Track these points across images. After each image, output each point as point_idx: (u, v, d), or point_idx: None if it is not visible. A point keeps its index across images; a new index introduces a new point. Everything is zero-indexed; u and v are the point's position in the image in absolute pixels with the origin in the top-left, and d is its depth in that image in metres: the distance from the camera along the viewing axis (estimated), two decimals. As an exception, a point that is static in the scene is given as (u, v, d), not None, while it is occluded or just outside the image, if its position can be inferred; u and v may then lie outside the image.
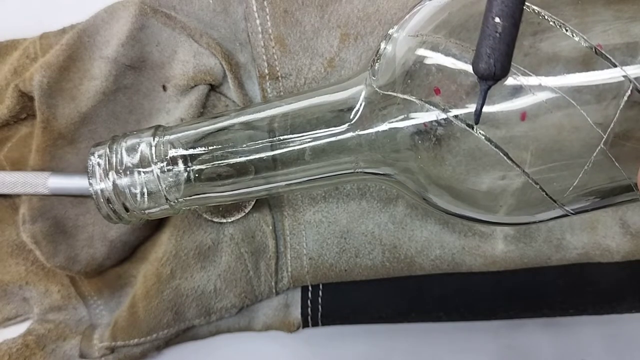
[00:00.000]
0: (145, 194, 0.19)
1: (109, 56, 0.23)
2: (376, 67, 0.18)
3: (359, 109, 0.18)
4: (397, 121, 0.17)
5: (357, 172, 0.19)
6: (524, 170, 0.16)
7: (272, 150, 0.19)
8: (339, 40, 0.24)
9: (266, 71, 0.24)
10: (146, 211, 0.20)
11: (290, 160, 0.19)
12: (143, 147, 0.19)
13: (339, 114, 0.18)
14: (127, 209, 0.20)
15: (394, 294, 0.24)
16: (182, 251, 0.23)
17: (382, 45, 0.18)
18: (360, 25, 0.24)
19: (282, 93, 0.24)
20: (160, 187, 0.19)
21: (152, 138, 0.19)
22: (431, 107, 0.16)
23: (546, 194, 0.16)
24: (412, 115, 0.17)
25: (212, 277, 0.23)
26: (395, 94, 0.17)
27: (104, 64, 0.23)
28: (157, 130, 0.20)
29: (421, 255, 0.24)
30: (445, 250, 0.24)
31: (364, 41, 0.24)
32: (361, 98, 0.18)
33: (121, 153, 0.19)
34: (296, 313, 0.24)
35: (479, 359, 0.25)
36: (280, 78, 0.24)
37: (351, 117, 0.18)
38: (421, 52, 0.17)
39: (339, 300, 0.24)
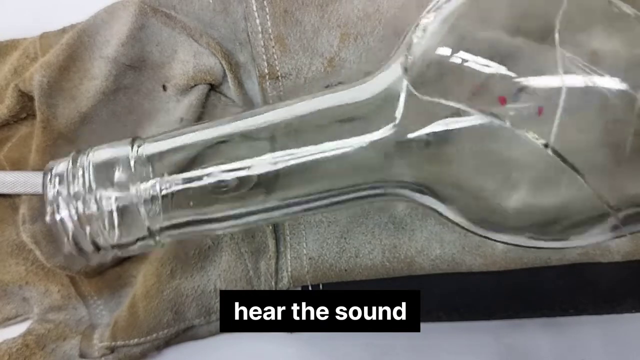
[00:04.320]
0: (120, 225, 0.16)
1: (109, 56, 0.23)
2: (409, 61, 0.16)
3: (400, 106, 0.16)
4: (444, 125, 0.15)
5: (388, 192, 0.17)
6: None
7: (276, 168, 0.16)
8: (338, 40, 0.24)
9: (266, 71, 0.24)
10: (125, 249, 0.17)
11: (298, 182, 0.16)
12: (118, 167, 0.16)
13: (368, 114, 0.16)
14: (97, 247, 0.16)
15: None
16: (182, 251, 0.23)
17: (412, 36, 0.16)
18: (360, 25, 0.23)
19: (282, 92, 0.24)
20: (141, 216, 0.15)
21: (129, 152, 0.16)
22: (496, 120, 0.14)
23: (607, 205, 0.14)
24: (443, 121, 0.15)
25: (212, 276, 0.23)
26: (445, 102, 0.15)
27: (104, 64, 0.23)
28: (134, 142, 0.17)
29: (421, 255, 0.24)
30: (445, 250, 0.24)
31: (364, 41, 0.24)
32: (403, 95, 0.16)
33: (87, 173, 0.15)
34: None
35: (479, 359, 0.25)
36: (280, 78, 0.24)
37: (394, 115, 0.16)
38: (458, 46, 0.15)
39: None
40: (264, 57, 0.24)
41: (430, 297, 0.24)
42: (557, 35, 0.13)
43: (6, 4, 0.27)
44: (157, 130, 0.24)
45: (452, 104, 0.14)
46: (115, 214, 0.15)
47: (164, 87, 0.24)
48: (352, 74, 0.24)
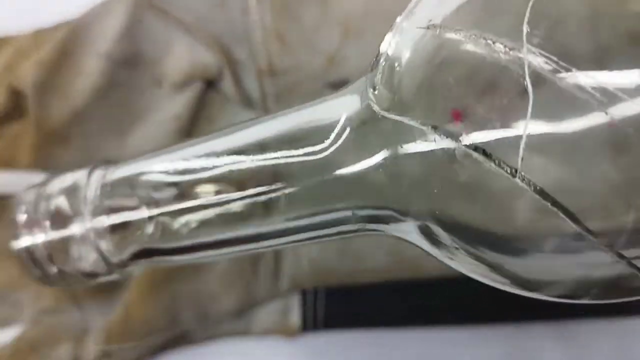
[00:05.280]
0: (86, 254, 0.15)
1: (103, 52, 0.23)
2: (377, 75, 0.13)
3: (340, 133, 0.13)
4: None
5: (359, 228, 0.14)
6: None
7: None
8: (339, 37, 0.23)
9: (265, 67, 0.23)
10: (94, 279, 0.16)
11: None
12: (83, 192, 0.15)
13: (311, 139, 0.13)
14: (62, 271, 0.16)
15: (397, 298, 0.24)
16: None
17: (387, 40, 0.13)
18: (362, 22, 0.23)
19: (281, 90, 0.24)
20: (93, 248, 0.15)
21: (84, 181, 0.15)
22: (444, 137, 0.11)
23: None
24: (409, 145, 0.12)
25: (209, 280, 0.23)
26: (399, 118, 0.12)
27: (97, 61, 0.23)
28: (99, 166, 0.16)
29: (426, 258, 0.23)
30: (450, 252, 0.23)
31: (365, 37, 0.23)
32: (342, 119, 0.13)
33: (55, 200, 0.15)
34: (296, 317, 0.24)
35: (485, 364, 0.25)
36: (279, 74, 0.23)
37: (325, 145, 0.13)
38: (429, 50, 0.11)
39: (340, 305, 0.24)
40: (263, 53, 0.23)
41: (436, 301, 0.24)
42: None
43: (-1, 0, 0.27)
44: (151, 127, 0.24)
45: (411, 122, 0.11)
46: (72, 244, 0.15)
47: (160, 84, 0.24)
48: (352, 71, 0.23)
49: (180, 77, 0.23)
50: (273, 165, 0.13)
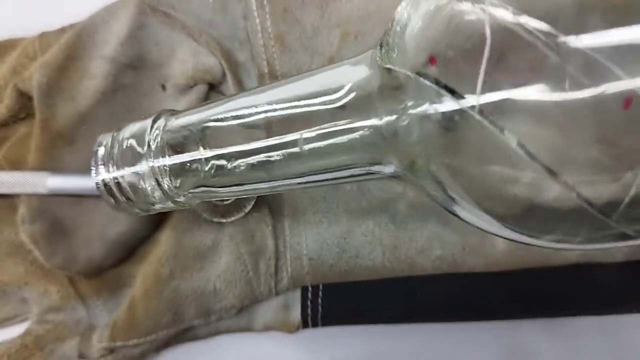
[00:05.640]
0: (149, 186, 0.18)
1: (108, 55, 0.23)
2: (386, 37, 0.15)
3: (348, 92, 0.15)
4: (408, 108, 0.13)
5: (368, 172, 0.16)
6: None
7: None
8: (339, 39, 0.24)
9: (266, 70, 0.24)
10: (154, 205, 0.19)
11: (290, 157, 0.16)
12: (151, 136, 0.18)
13: (329, 102, 0.16)
14: (130, 200, 0.19)
15: (394, 294, 0.24)
16: (181, 251, 0.23)
17: (398, 8, 0.15)
18: (360, 24, 0.23)
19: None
20: (154, 184, 0.18)
21: (163, 123, 0.18)
22: (425, 82, 0.12)
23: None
24: (417, 102, 0.13)
25: (211, 277, 0.23)
26: (393, 67, 0.13)
27: (103, 63, 0.23)
28: (162, 115, 0.19)
29: (422, 256, 0.23)
30: (446, 250, 0.23)
31: (364, 39, 0.23)
32: (351, 84, 0.15)
33: (127, 142, 0.18)
34: (296, 313, 0.24)
35: (481, 359, 0.25)
36: (279, 77, 0.24)
37: (341, 103, 0.15)
38: (420, 11, 0.13)
39: (339, 301, 0.24)
40: (264, 56, 0.24)
41: (431, 298, 0.24)
42: None
43: (5, 3, 0.27)
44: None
45: (401, 70, 0.13)
46: (139, 179, 0.18)
47: (163, 87, 0.24)
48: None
49: (184, 80, 0.23)
50: (297, 113, 0.16)
